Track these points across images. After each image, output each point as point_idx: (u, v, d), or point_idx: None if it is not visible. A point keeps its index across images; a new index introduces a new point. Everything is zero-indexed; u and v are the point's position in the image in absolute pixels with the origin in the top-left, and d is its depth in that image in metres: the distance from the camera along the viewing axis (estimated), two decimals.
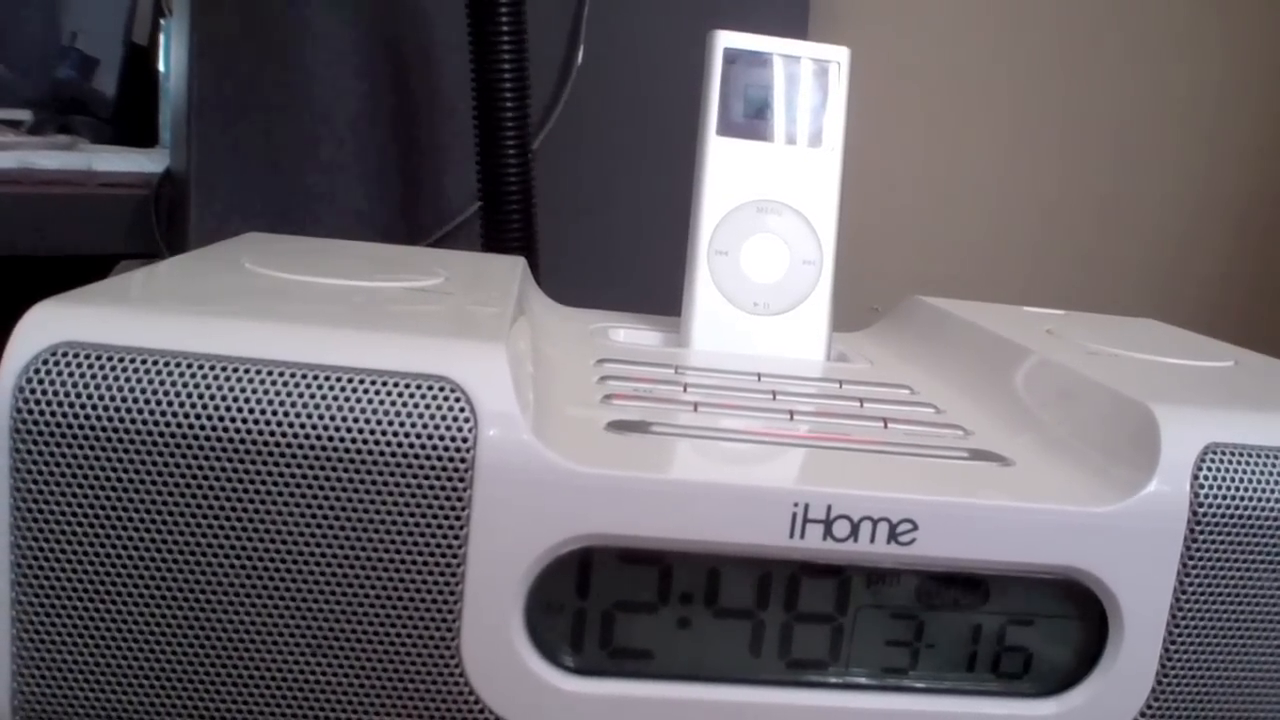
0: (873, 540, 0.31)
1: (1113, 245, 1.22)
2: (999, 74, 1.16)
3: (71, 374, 0.29)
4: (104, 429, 0.29)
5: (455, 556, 0.30)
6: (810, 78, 0.50)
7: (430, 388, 0.30)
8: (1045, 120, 1.19)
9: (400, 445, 0.29)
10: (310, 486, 0.29)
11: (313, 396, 0.29)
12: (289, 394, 0.29)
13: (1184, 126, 1.20)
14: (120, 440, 0.29)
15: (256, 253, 0.44)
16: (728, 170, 0.49)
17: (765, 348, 0.48)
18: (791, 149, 0.49)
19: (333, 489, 0.29)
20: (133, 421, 0.29)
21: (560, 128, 0.84)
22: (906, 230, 1.19)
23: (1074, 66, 1.17)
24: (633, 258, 0.85)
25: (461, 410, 0.30)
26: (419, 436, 0.29)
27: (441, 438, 0.29)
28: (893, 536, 0.31)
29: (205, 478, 0.29)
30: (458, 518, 0.30)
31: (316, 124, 0.78)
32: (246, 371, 0.29)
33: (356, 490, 0.30)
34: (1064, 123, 1.19)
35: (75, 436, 0.29)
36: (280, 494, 0.29)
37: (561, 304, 0.54)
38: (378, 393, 0.30)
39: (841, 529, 0.31)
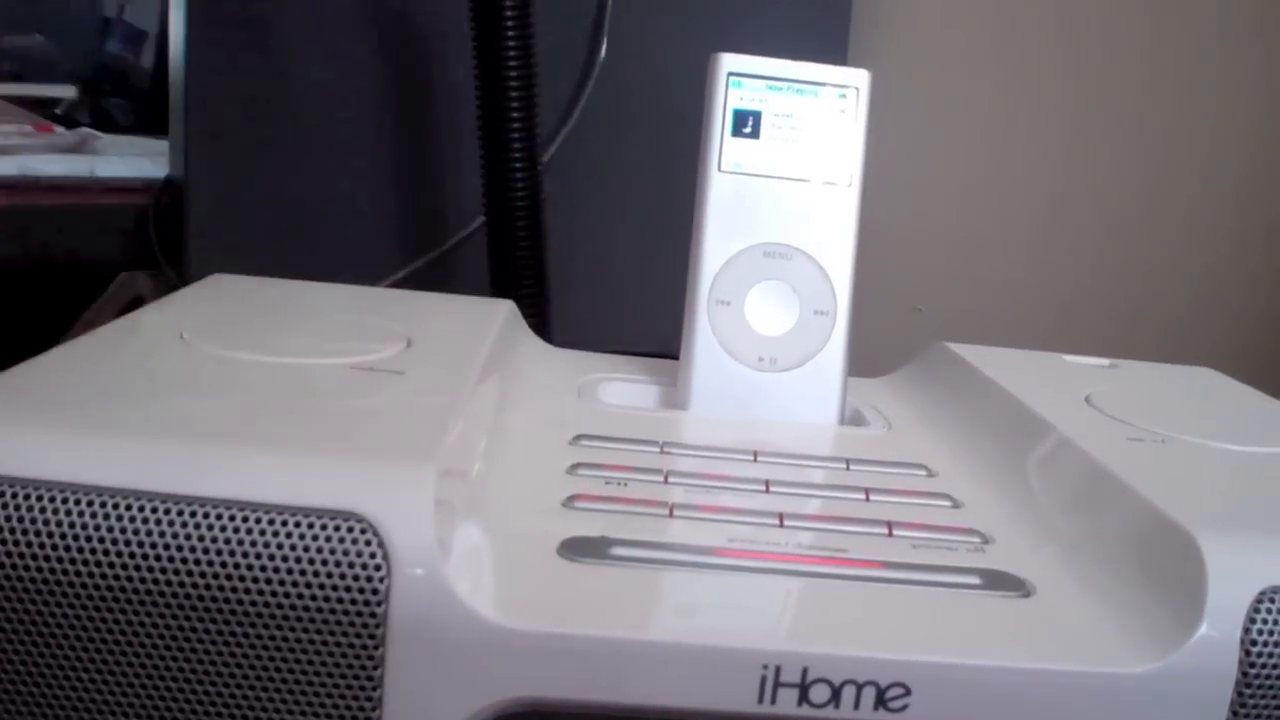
0: (856, 706, 0.26)
1: (1168, 280, 1.15)
2: (1056, 97, 1.09)
3: None
4: None
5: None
6: (825, 105, 0.44)
7: (337, 526, 0.25)
8: (1104, 138, 1.11)
9: (300, 597, 0.25)
10: (199, 638, 0.25)
11: (202, 535, 0.25)
12: (174, 532, 0.25)
13: (1252, 146, 1.12)
14: None
15: (203, 315, 0.40)
16: (731, 210, 0.44)
17: (771, 409, 0.44)
18: (803, 186, 0.44)
19: (225, 643, 0.25)
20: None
21: (578, 134, 0.79)
22: (948, 252, 1.13)
23: (1141, 86, 1.10)
24: (650, 273, 0.80)
25: (373, 555, 0.25)
26: (321, 587, 0.25)
27: (349, 588, 0.25)
28: (881, 703, 0.26)
29: (77, 622, 0.25)
30: (369, 678, 0.26)
31: (319, 130, 0.74)
32: (128, 506, 0.25)
33: (251, 646, 0.25)
34: (1121, 143, 1.12)
35: None
36: (167, 645, 0.25)
37: (568, 320, 0.49)
38: (276, 533, 0.25)
39: (820, 694, 0.26)
